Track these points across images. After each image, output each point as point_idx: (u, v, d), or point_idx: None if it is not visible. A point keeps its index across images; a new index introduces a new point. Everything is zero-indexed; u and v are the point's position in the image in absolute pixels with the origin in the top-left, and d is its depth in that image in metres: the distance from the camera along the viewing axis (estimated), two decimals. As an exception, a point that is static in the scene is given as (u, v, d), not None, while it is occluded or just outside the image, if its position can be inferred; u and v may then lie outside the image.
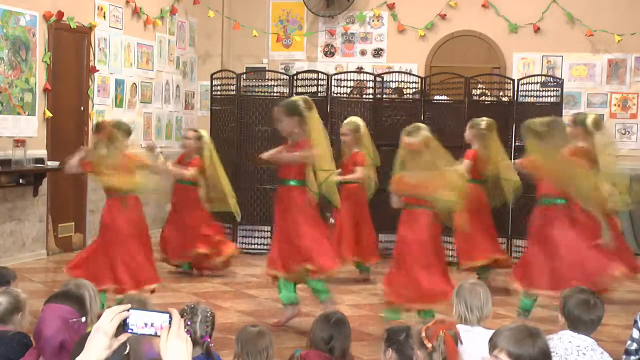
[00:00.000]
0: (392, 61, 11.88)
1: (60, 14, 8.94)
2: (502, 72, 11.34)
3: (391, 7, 11.90)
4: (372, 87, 10.18)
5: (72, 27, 9.22)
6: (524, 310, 6.46)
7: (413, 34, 11.84)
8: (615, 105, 11.30)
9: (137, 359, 2.52)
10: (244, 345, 3.67)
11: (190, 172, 8.11)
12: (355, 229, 8.18)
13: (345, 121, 8.38)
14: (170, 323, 1.97)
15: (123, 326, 1.97)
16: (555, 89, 10.35)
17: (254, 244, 9.72)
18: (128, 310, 1.98)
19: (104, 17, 9.98)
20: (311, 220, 6.29)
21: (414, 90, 10.24)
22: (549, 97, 10.19)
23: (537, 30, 11.42)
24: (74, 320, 3.52)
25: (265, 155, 6.54)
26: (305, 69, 11.05)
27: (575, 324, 3.66)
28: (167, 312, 1.98)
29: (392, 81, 10.44)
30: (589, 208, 6.29)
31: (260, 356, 3.66)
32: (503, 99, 10.27)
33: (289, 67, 12.05)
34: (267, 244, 8.91)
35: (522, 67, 11.50)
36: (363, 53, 12.10)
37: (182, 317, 3.80)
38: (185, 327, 3.73)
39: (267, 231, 9.44)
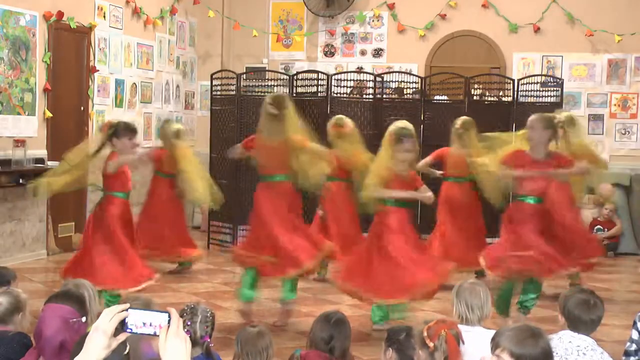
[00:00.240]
0: (392, 61, 11.87)
1: (60, 14, 8.94)
2: (502, 72, 11.34)
3: (391, 7, 11.90)
4: (372, 87, 10.18)
5: (72, 27, 9.22)
6: (523, 307, 6.45)
7: (413, 34, 11.84)
8: (615, 105, 11.30)
9: (136, 358, 2.52)
10: (244, 346, 3.67)
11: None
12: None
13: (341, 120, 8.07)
14: (169, 322, 1.97)
15: (122, 326, 1.97)
16: (555, 89, 10.35)
17: (254, 244, 9.71)
18: (127, 309, 1.98)
19: (104, 17, 9.98)
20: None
21: (413, 90, 10.25)
22: (549, 97, 10.20)
23: (537, 30, 11.42)
24: (74, 320, 3.52)
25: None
26: (305, 69, 11.05)
27: (575, 324, 3.66)
28: (166, 312, 1.98)
29: (392, 81, 10.44)
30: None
31: (260, 356, 3.66)
32: (503, 99, 10.28)
33: (289, 67, 12.05)
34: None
35: (522, 67, 11.50)
36: (363, 53, 12.10)
37: (182, 317, 3.82)
38: (185, 327, 3.73)
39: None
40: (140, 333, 1.98)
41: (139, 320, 1.97)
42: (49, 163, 8.76)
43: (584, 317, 3.65)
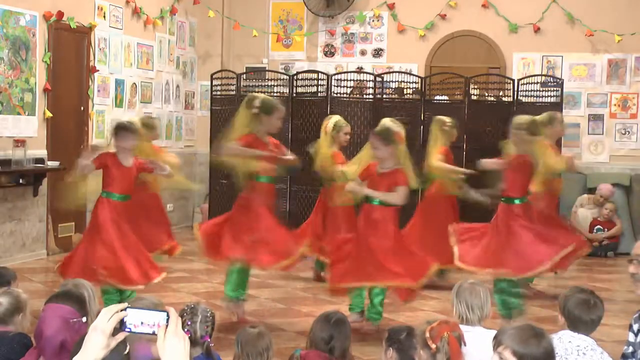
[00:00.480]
0: (392, 61, 11.87)
1: (60, 14, 8.94)
2: (502, 72, 11.34)
3: (391, 7, 11.90)
4: (372, 87, 10.18)
5: (72, 27, 9.22)
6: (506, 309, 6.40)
7: (413, 34, 11.84)
8: (615, 105, 11.30)
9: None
10: (244, 346, 3.66)
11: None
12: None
13: (340, 120, 7.95)
14: (167, 322, 1.97)
15: (120, 325, 1.97)
16: (555, 89, 10.36)
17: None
18: (125, 309, 1.98)
19: (104, 17, 9.98)
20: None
21: (413, 89, 10.25)
22: (549, 97, 10.21)
23: (537, 30, 11.42)
24: (75, 320, 3.52)
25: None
26: (305, 69, 11.05)
27: (575, 324, 3.66)
28: (165, 311, 1.98)
29: (392, 81, 10.45)
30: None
31: (261, 357, 3.66)
32: (503, 99, 10.28)
33: (289, 67, 12.05)
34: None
35: (522, 67, 11.49)
36: (363, 53, 12.10)
37: (182, 317, 3.83)
38: (185, 327, 3.74)
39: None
40: (139, 332, 1.98)
41: (138, 320, 1.97)
42: (49, 163, 8.77)
43: (584, 317, 3.65)
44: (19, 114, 8.54)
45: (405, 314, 6.78)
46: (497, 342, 2.71)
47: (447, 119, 8.08)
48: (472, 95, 10.10)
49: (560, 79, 10.64)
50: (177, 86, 11.93)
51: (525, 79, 10.39)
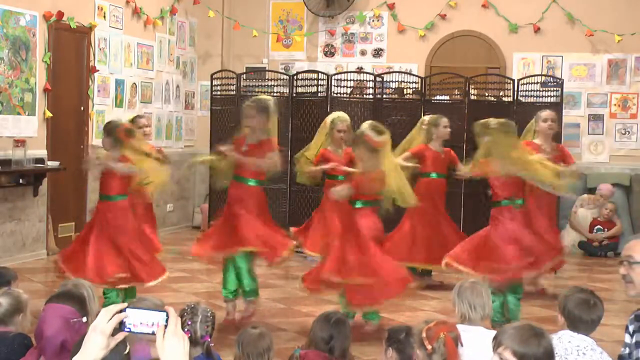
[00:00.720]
0: (392, 61, 11.87)
1: (60, 14, 8.94)
2: (502, 72, 11.34)
3: (391, 7, 11.90)
4: (372, 87, 10.18)
5: (72, 27, 9.22)
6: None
7: (413, 34, 11.84)
8: (615, 105, 11.29)
9: None
10: (245, 347, 3.66)
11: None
12: None
13: (339, 117, 7.67)
14: (167, 322, 1.97)
15: (120, 325, 1.97)
16: (555, 89, 10.36)
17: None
18: (125, 309, 1.98)
19: (104, 17, 9.98)
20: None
21: (413, 89, 10.25)
22: (549, 97, 10.20)
23: (537, 30, 11.42)
24: (75, 320, 3.53)
25: (228, 151, 6.42)
26: (305, 69, 11.05)
27: (576, 324, 3.66)
28: (164, 311, 1.98)
29: (392, 81, 10.45)
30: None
31: (262, 358, 3.66)
32: (503, 99, 10.28)
33: (289, 67, 12.05)
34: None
35: (522, 67, 11.49)
36: (363, 53, 12.10)
37: (182, 317, 3.83)
38: (185, 327, 3.75)
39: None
40: (139, 332, 1.98)
41: (137, 320, 1.97)
42: (49, 163, 8.77)
43: (584, 317, 3.65)
44: (19, 114, 8.54)
45: (405, 314, 6.78)
46: (497, 343, 2.71)
47: (427, 118, 8.08)
48: (471, 95, 10.10)
49: (560, 79, 10.64)
50: (177, 86, 11.93)
51: (525, 79, 10.39)
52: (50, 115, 8.90)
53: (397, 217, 7.88)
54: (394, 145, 8.73)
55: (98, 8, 9.84)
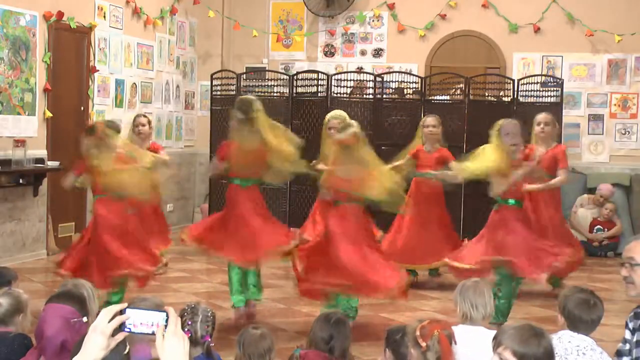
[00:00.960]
0: (392, 61, 11.87)
1: (60, 14, 8.94)
2: (502, 72, 11.34)
3: (391, 7, 11.90)
4: (372, 87, 10.18)
5: (72, 27, 9.22)
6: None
7: (413, 34, 11.84)
8: (615, 105, 11.29)
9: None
10: (246, 348, 3.66)
11: (166, 156, 8.10)
12: None
13: (332, 115, 7.65)
14: (167, 322, 1.97)
15: (120, 325, 1.97)
16: (555, 89, 10.36)
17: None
18: (124, 309, 1.98)
19: (104, 17, 9.98)
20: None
21: (413, 89, 10.25)
22: (549, 97, 10.20)
23: (537, 30, 11.42)
24: (75, 320, 3.53)
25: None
26: (305, 69, 11.05)
27: (576, 324, 3.66)
28: (164, 311, 1.98)
29: (392, 81, 10.44)
30: None
31: (263, 359, 3.65)
32: (503, 99, 10.28)
33: (289, 67, 12.05)
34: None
35: (522, 67, 11.49)
36: (363, 53, 12.10)
37: (182, 316, 3.83)
38: (186, 327, 3.74)
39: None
40: (138, 333, 1.98)
41: (137, 320, 1.98)
42: (49, 163, 8.77)
43: (584, 317, 3.65)
44: (19, 114, 8.54)
45: (405, 314, 6.79)
46: (497, 343, 2.71)
47: (426, 118, 8.09)
48: (470, 95, 10.10)
49: (560, 79, 10.64)
50: (177, 86, 11.93)
51: (525, 79, 10.38)
52: (50, 115, 8.90)
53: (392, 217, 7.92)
54: (393, 145, 8.78)
55: (98, 8, 9.84)
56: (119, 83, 10.35)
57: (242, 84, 10.04)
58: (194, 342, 3.67)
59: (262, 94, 9.99)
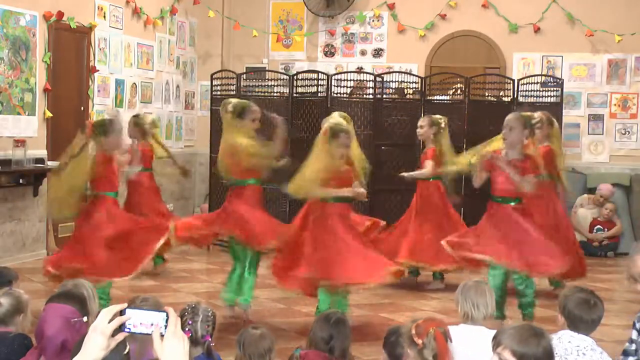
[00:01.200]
0: (392, 61, 11.87)
1: (60, 14, 8.94)
2: (502, 72, 11.34)
3: (391, 7, 11.90)
4: (372, 87, 10.17)
5: (72, 27, 9.22)
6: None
7: (413, 34, 11.84)
8: (615, 105, 11.30)
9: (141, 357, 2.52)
10: (246, 348, 3.66)
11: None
12: None
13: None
14: (167, 322, 1.97)
15: (120, 325, 1.97)
16: (555, 89, 10.36)
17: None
18: (124, 309, 1.98)
19: (104, 17, 9.98)
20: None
21: (413, 89, 10.25)
22: (549, 97, 10.21)
23: (537, 30, 11.42)
24: (76, 319, 3.53)
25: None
26: (305, 69, 11.04)
27: (576, 324, 3.66)
28: (164, 311, 1.98)
29: (392, 81, 10.44)
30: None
31: (263, 359, 3.65)
32: (503, 99, 10.28)
33: (289, 67, 12.05)
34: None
35: (522, 67, 11.49)
36: (363, 53, 12.10)
37: (183, 316, 3.83)
38: (186, 327, 3.74)
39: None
40: (138, 333, 1.98)
41: (137, 320, 1.98)
42: (49, 163, 8.76)
43: (584, 317, 3.65)
44: (19, 114, 8.54)
45: (405, 314, 6.79)
46: (496, 343, 2.71)
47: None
48: (469, 95, 10.10)
49: (560, 79, 10.64)
50: (177, 86, 11.93)
51: (525, 79, 10.38)
52: (50, 115, 8.90)
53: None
54: (393, 145, 8.78)
55: (98, 8, 9.84)
56: (119, 83, 10.35)
57: (242, 84, 10.04)
58: (194, 342, 3.67)
59: (262, 94, 9.99)
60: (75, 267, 6.05)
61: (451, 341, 3.11)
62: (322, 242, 6.09)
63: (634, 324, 3.86)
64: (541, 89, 10.31)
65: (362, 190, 6.31)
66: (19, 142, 8.38)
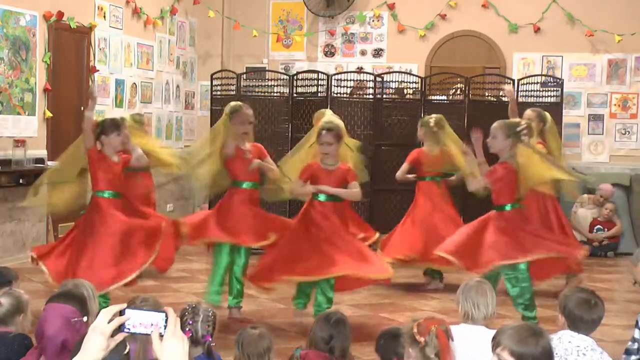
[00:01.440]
0: (392, 61, 11.88)
1: (60, 14, 8.94)
2: (502, 72, 11.35)
3: (391, 7, 11.90)
4: (372, 87, 10.17)
5: (72, 27, 9.22)
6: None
7: (413, 34, 11.84)
8: (615, 105, 11.30)
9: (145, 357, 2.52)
10: (245, 348, 3.66)
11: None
12: None
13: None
14: (166, 322, 1.97)
15: (119, 326, 1.97)
16: (555, 89, 10.36)
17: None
18: (124, 309, 1.98)
19: (104, 17, 9.98)
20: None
21: (413, 89, 10.25)
22: (549, 97, 10.21)
23: (537, 30, 11.43)
24: (76, 319, 3.53)
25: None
26: (305, 69, 11.04)
27: (576, 324, 3.66)
28: (163, 311, 1.98)
29: (392, 81, 10.44)
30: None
31: (262, 358, 3.65)
32: (503, 99, 10.27)
33: (289, 67, 12.05)
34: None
35: (522, 67, 11.50)
36: (363, 53, 12.10)
37: (183, 316, 3.83)
38: (186, 327, 3.74)
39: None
40: (138, 333, 1.98)
41: (137, 320, 1.98)
42: (49, 163, 8.76)
43: (585, 317, 3.65)
44: (19, 114, 8.55)
45: (405, 314, 6.79)
46: (495, 343, 2.71)
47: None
48: (469, 95, 10.09)
49: (560, 79, 10.64)
50: (177, 86, 11.93)
51: (525, 79, 10.39)
52: (50, 115, 8.90)
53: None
54: (393, 145, 8.78)
55: (98, 8, 9.84)
56: (119, 83, 10.35)
57: (242, 84, 10.04)
58: (195, 342, 3.67)
59: (262, 94, 9.99)
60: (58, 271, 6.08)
61: (453, 339, 3.12)
62: (303, 238, 6.14)
63: (636, 323, 3.87)
64: (541, 89, 10.31)
65: (356, 190, 6.21)
66: (19, 142, 8.38)
